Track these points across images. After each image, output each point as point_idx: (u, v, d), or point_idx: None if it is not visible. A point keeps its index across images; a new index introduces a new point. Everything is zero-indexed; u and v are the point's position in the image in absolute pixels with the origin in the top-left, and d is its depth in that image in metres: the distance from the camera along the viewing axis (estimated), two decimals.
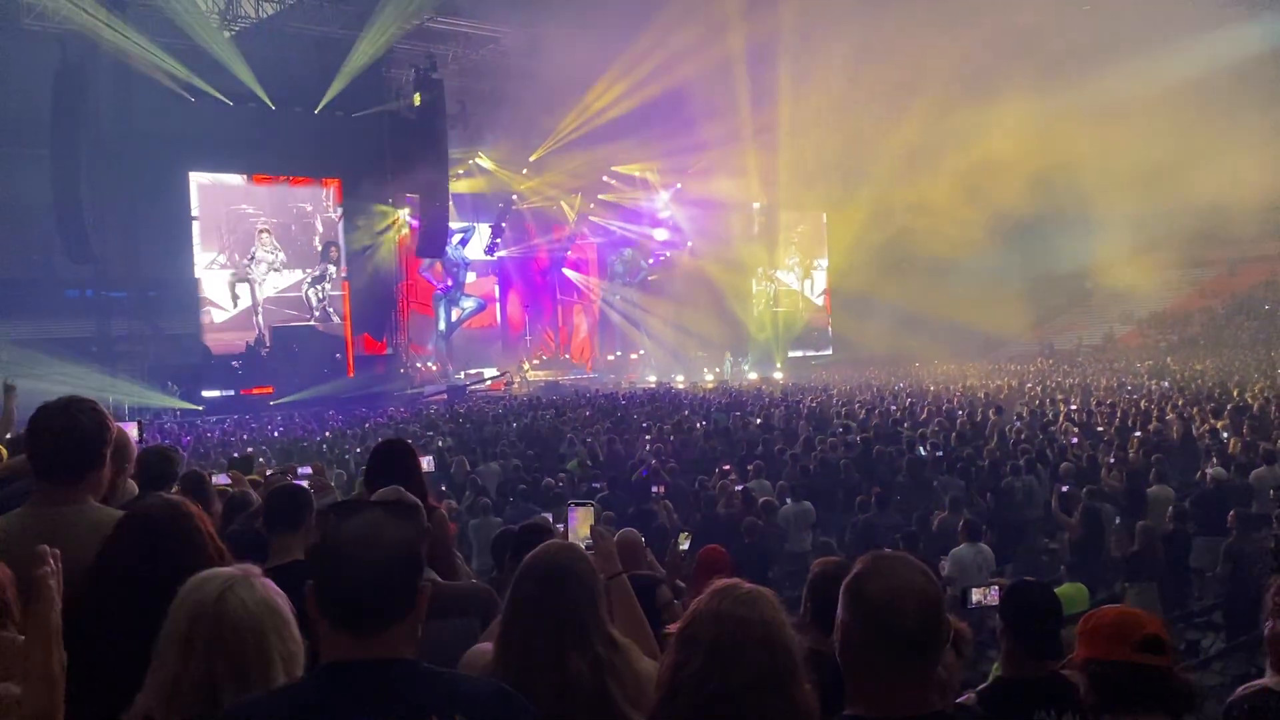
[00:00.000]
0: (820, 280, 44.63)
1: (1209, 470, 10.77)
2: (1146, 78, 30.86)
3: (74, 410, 2.76)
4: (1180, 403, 17.51)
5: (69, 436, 2.72)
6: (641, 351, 41.44)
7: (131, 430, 3.40)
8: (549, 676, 2.25)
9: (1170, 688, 2.54)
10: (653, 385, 32.72)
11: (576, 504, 3.18)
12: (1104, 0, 31.16)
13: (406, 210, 33.28)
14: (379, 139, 31.44)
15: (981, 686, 3.30)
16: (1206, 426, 14.31)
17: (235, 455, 11.60)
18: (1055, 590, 5.02)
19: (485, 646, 2.48)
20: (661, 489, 10.83)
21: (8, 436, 4.77)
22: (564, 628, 2.30)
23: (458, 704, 1.76)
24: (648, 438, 15.77)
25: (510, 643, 2.32)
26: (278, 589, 1.98)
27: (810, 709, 2.01)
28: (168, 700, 1.89)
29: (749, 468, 12.08)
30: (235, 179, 30.43)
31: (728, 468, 12.16)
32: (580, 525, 3.08)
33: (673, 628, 2.15)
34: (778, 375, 37.00)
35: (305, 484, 4.53)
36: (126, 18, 26.85)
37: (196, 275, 29.67)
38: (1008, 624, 3.23)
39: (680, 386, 31.42)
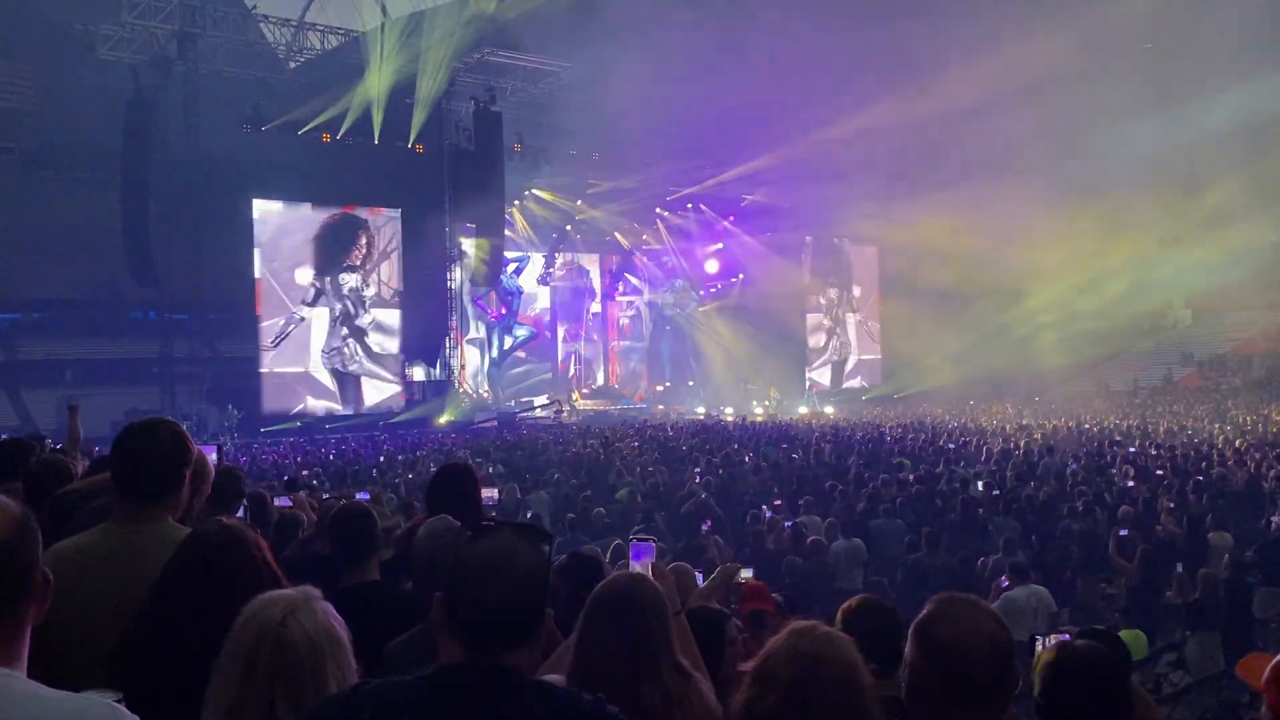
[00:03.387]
0: (874, 312, 44.35)
1: (1274, 518, 10.48)
2: (1242, 109, 30.22)
3: (157, 432, 2.82)
4: (1243, 447, 17.08)
5: (151, 457, 2.77)
6: (691, 383, 41.38)
7: (211, 454, 3.48)
8: (620, 701, 2.23)
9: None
10: (701, 417, 32.60)
11: (639, 539, 3.19)
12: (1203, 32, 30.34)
13: (463, 239, 33.70)
14: (438, 169, 31.91)
15: None
16: (1273, 473, 13.93)
17: (285, 478, 11.74)
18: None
19: (554, 679, 2.47)
20: (710, 523, 10.77)
21: (88, 456, 4.89)
22: (638, 655, 2.32)
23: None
24: (696, 470, 15.71)
25: (585, 667, 2.33)
26: (336, 614, 2.01)
27: None
28: (231, 718, 1.92)
29: (799, 502, 11.99)
30: (297, 207, 31.05)
31: (778, 503, 12.06)
32: (642, 561, 3.07)
33: (745, 665, 2.14)
34: (829, 410, 36.71)
35: None
36: (197, 49, 27.69)
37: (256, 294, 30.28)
38: None
39: (729, 419, 31.27)
